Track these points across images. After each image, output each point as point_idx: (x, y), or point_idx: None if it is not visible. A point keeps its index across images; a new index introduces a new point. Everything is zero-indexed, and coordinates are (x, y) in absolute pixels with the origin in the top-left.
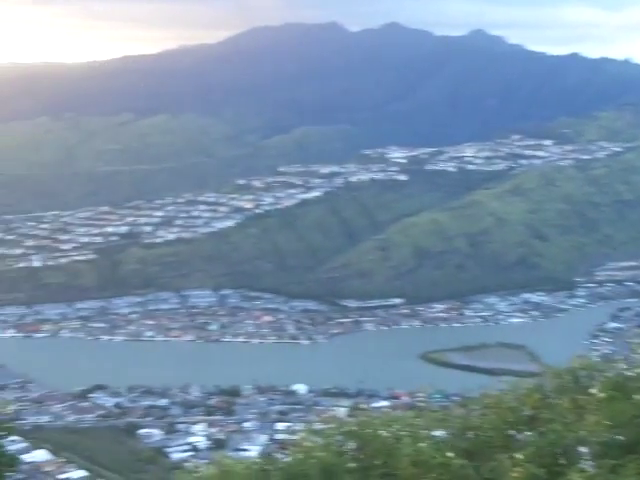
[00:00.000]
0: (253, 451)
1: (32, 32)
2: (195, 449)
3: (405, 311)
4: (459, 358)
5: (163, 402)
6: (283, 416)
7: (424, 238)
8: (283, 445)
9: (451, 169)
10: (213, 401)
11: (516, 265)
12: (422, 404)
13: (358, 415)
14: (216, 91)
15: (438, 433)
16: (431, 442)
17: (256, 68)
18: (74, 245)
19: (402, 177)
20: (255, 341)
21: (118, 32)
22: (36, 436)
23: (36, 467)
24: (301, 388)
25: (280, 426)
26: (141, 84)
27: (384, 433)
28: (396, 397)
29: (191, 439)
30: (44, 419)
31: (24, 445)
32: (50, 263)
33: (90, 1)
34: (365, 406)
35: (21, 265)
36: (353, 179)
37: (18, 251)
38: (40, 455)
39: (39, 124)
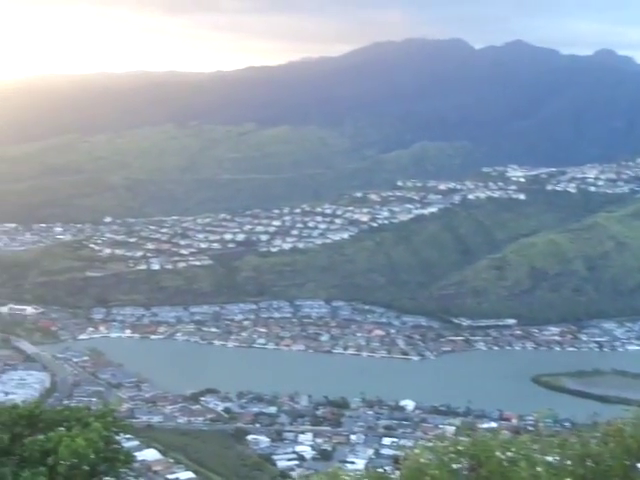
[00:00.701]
0: (359, 464)
1: (161, 42)
2: (301, 458)
3: (518, 332)
4: (572, 383)
5: (272, 410)
6: (390, 431)
7: (541, 259)
8: (395, 460)
9: (572, 190)
10: (321, 411)
11: (636, 291)
12: (534, 428)
13: (470, 435)
14: (337, 104)
15: (554, 459)
16: (548, 467)
17: (377, 82)
18: (192, 250)
19: (521, 196)
20: (365, 354)
21: (243, 44)
22: (147, 435)
23: (146, 466)
24: (409, 404)
25: (386, 441)
26: (264, 95)
27: (500, 455)
28: (506, 419)
29: (297, 448)
30: (156, 419)
31: (136, 443)
32: (168, 267)
33: (216, 13)
34: (475, 426)
35: (141, 267)
36: (471, 196)
37: (139, 253)
38: (150, 454)
39: (164, 131)
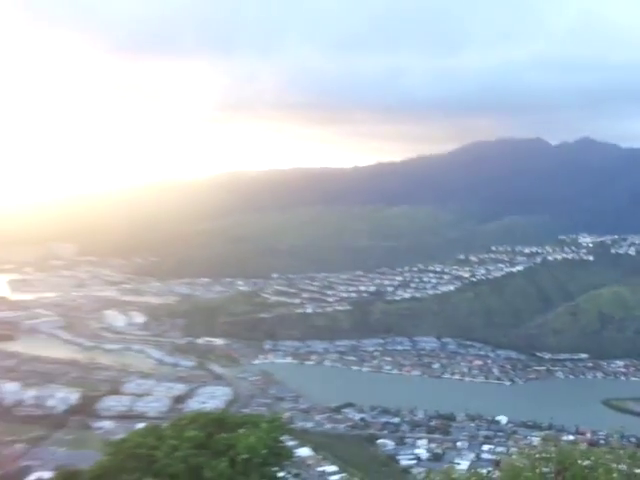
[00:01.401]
0: (463, 465)
1: (315, 145)
2: (418, 459)
3: (590, 364)
4: (636, 406)
5: (396, 420)
6: (488, 440)
7: (607, 306)
8: (496, 463)
9: (632, 253)
10: (433, 422)
11: None
12: (606, 441)
13: (555, 444)
14: (444, 188)
15: (626, 468)
16: (622, 475)
17: (475, 171)
18: (336, 298)
19: (590, 258)
20: (467, 379)
21: (373, 145)
22: (302, 437)
23: (301, 460)
24: (503, 419)
25: (485, 447)
26: (390, 183)
27: (581, 462)
28: (581, 433)
29: (416, 450)
30: (309, 425)
31: (294, 443)
32: (319, 310)
33: (354, 123)
34: (557, 438)
35: (298, 311)
36: (550, 258)
37: (297, 300)
38: (304, 451)
39: (316, 210)
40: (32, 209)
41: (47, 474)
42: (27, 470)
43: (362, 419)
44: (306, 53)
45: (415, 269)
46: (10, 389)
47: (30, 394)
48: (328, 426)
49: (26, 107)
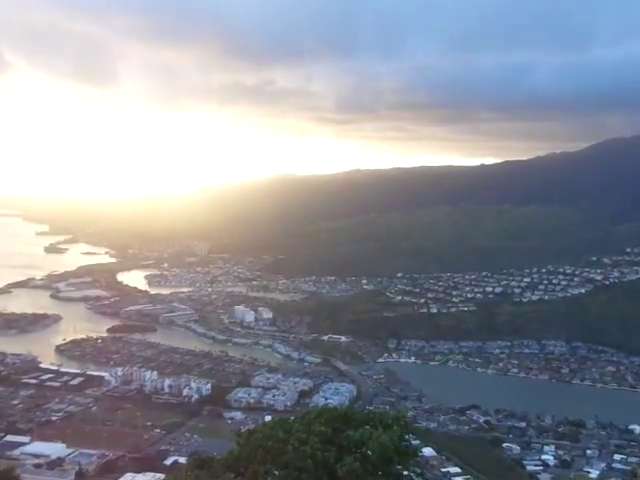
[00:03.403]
0: (593, 474)
1: (438, 146)
2: (545, 465)
3: None
4: None
5: (522, 424)
6: (620, 449)
7: None
8: (633, 474)
9: None
10: (562, 429)
11: None
12: None
13: None
14: (576, 187)
15: None
16: None
17: (609, 170)
18: (461, 299)
19: None
20: (599, 385)
21: (498, 144)
22: (425, 437)
23: (425, 460)
24: (636, 428)
25: (617, 457)
26: (518, 182)
27: None
28: None
29: (543, 456)
30: (432, 425)
31: (417, 442)
32: (443, 311)
33: (477, 122)
34: None
35: (423, 311)
36: None
37: (421, 300)
38: (428, 451)
39: (441, 210)
40: (167, 207)
41: (182, 459)
42: (164, 454)
43: (487, 422)
44: (426, 52)
45: (544, 270)
46: (150, 377)
47: (167, 383)
48: (452, 427)
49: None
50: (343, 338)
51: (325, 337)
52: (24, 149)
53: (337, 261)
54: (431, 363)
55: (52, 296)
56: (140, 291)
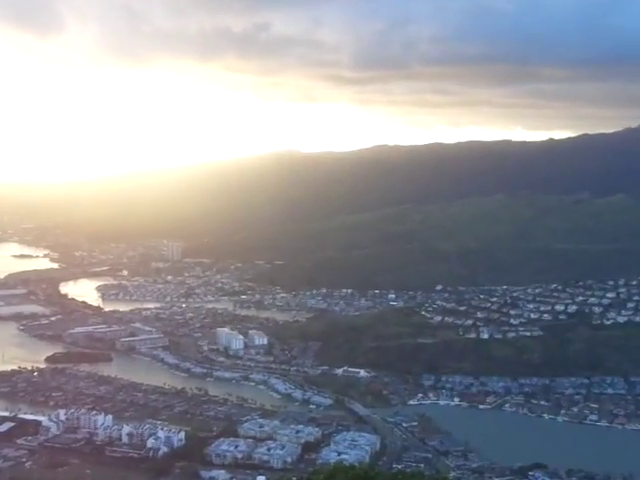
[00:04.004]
0: None
1: (488, 112)
2: None
3: None
4: None
5: None
6: None
7: None
8: None
9: None
10: None
11: None
12: None
13: None
14: None
15: None
16: None
17: None
18: (522, 320)
19: None
20: None
21: (572, 111)
22: None
23: None
24: None
25: None
26: (599, 162)
27: None
28: None
29: None
30: None
31: None
32: (498, 336)
33: (539, 82)
34: None
35: (470, 336)
36: None
37: (468, 322)
38: None
39: (496, 200)
40: (129, 195)
41: None
42: None
43: None
44: None
45: (634, 283)
46: (103, 423)
47: (126, 430)
48: None
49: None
50: (362, 372)
51: (339, 371)
52: None
53: (357, 267)
54: (481, 407)
55: None
56: (90, 307)
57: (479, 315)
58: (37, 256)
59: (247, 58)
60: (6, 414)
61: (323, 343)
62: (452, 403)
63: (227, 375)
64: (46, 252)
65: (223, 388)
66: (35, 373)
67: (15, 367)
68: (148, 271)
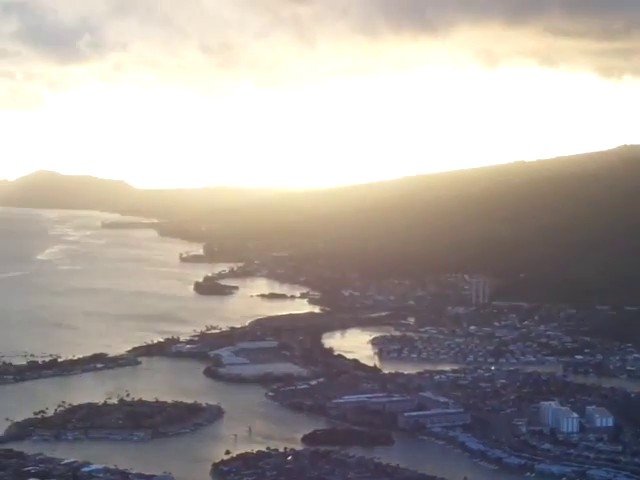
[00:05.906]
0: None
1: None
2: None
3: None
4: None
5: None
6: None
7: None
8: None
9: None
10: None
11: None
12: None
13: None
14: None
15: None
16: None
17: None
18: None
19: None
20: None
21: None
22: None
23: None
24: None
25: None
26: None
27: None
28: None
29: None
30: None
31: None
32: None
33: None
34: None
35: None
36: None
37: None
38: None
39: None
40: (412, 215)
41: None
42: None
43: None
44: None
45: None
46: None
47: None
48: None
49: None
50: None
51: None
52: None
53: None
54: None
55: (208, 372)
56: (364, 367)
57: None
58: (292, 296)
59: None
60: None
61: None
62: None
63: (555, 469)
64: (304, 291)
65: None
66: (289, 457)
67: (263, 448)
68: (443, 319)
